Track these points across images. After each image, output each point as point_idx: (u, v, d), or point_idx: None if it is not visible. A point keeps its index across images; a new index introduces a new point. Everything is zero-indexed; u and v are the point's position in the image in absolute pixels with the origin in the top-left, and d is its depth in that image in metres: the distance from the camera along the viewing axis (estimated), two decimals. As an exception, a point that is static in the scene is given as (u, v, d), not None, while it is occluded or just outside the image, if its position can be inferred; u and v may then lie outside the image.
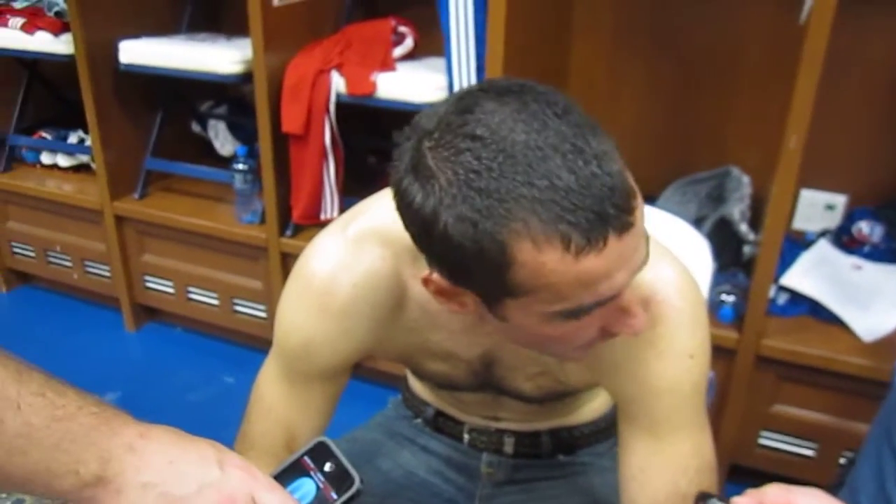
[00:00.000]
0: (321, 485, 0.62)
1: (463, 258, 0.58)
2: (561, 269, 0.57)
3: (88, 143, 2.36)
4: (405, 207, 0.61)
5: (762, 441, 1.76)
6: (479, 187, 0.55)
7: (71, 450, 0.53)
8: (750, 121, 1.90)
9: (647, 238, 0.63)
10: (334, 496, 0.62)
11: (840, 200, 1.90)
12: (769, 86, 1.80)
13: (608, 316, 0.65)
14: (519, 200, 0.55)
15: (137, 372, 2.36)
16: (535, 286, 0.58)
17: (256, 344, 2.31)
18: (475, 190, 0.56)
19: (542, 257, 0.56)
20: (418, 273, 0.77)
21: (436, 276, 0.65)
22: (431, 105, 0.62)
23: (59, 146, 2.54)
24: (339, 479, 0.62)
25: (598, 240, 0.56)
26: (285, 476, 0.63)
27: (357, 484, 0.62)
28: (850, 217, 1.87)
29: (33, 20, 2.23)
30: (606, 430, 1.04)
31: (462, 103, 0.59)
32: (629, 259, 0.60)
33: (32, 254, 2.63)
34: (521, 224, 0.55)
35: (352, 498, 0.62)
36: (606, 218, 0.55)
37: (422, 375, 0.94)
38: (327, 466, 0.63)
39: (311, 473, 0.63)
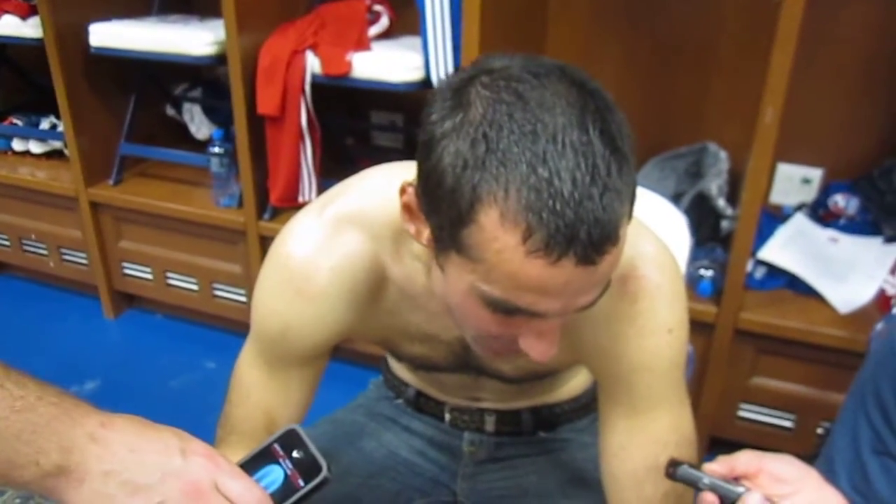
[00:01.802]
0: (289, 472, 0.62)
1: (439, 188, 0.58)
2: (507, 257, 0.56)
3: (61, 128, 2.32)
4: (428, 115, 0.61)
5: (741, 413, 1.78)
6: (491, 139, 0.55)
7: (31, 440, 0.53)
8: (727, 97, 1.90)
9: (603, 290, 0.62)
10: (301, 483, 0.62)
11: (816, 174, 1.92)
12: (746, 62, 1.81)
13: (524, 330, 0.64)
14: (513, 173, 0.54)
15: (117, 359, 2.35)
16: (479, 255, 0.58)
17: (237, 328, 2.30)
18: (487, 140, 0.55)
19: (499, 233, 0.56)
20: (397, 256, 0.77)
21: (412, 189, 0.65)
22: (496, 56, 0.62)
23: (31, 132, 2.50)
24: (308, 467, 0.62)
25: (553, 252, 0.55)
26: (254, 463, 0.63)
27: (324, 472, 0.62)
28: (827, 191, 1.89)
29: (0, 4, 2.18)
30: (587, 405, 1.05)
31: (534, 67, 0.59)
32: (572, 294, 0.59)
33: (7, 242, 2.60)
34: (502, 193, 0.55)
35: (319, 486, 0.62)
36: (574, 240, 0.55)
37: (401, 358, 0.94)
38: (296, 454, 0.63)
39: (280, 461, 0.63)
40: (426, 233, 0.65)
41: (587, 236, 0.55)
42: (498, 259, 0.57)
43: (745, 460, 0.70)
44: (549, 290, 0.58)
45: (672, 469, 0.70)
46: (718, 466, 0.70)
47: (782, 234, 1.80)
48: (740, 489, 0.68)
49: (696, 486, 0.69)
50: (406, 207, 0.66)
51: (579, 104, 0.56)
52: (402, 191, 0.66)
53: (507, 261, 0.57)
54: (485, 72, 0.59)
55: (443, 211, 0.59)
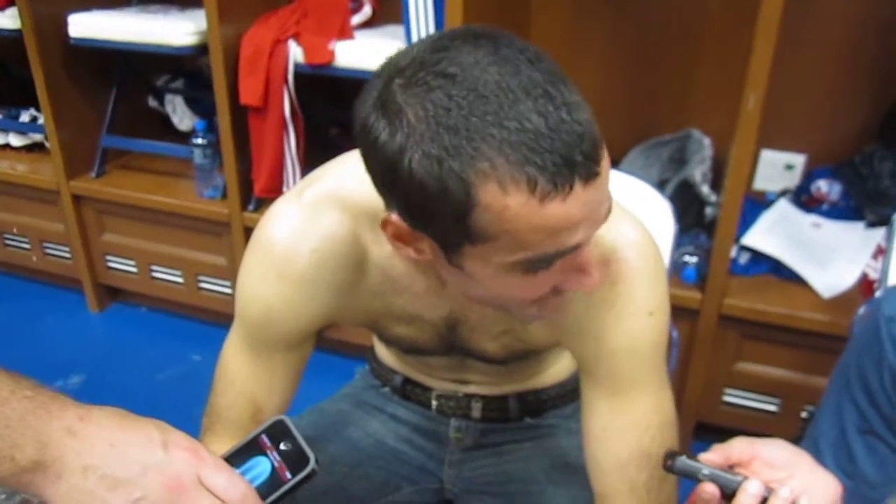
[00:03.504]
0: (276, 464, 0.62)
1: (426, 198, 0.58)
2: (524, 214, 0.56)
3: (41, 121, 2.29)
4: (370, 145, 0.60)
5: (726, 398, 1.80)
6: (448, 125, 0.55)
7: (4, 435, 0.51)
8: (711, 84, 1.90)
9: (610, 195, 0.62)
10: (289, 476, 0.61)
11: (799, 160, 1.93)
12: (730, 50, 1.81)
13: (564, 272, 0.64)
14: (487, 140, 0.54)
15: (103, 353, 2.33)
16: (496, 231, 0.58)
17: (223, 320, 2.27)
18: (444, 127, 0.55)
19: (506, 200, 0.56)
20: (378, 237, 0.77)
21: (395, 217, 0.64)
22: (394, 56, 0.61)
23: (11, 125, 2.47)
24: (295, 459, 0.62)
25: (564, 185, 0.55)
26: (240, 455, 0.62)
27: (312, 464, 0.61)
28: (809, 176, 1.90)
29: (-23, -5, 2.15)
30: (573, 392, 1.05)
31: (437, 44, 0.58)
32: (593, 210, 0.60)
33: (-12, 237, 2.57)
34: (488, 164, 0.55)
35: (306, 478, 0.61)
36: (574, 164, 0.55)
37: (388, 340, 0.94)
38: (283, 445, 0.62)
39: (268, 452, 0.62)
40: (427, 249, 0.64)
41: (581, 154, 0.55)
42: (517, 222, 0.57)
43: (738, 448, 0.71)
44: (574, 220, 0.58)
45: (670, 461, 0.71)
46: (714, 455, 0.71)
47: (766, 219, 1.81)
48: (739, 478, 0.68)
49: (694, 477, 0.70)
50: (396, 237, 0.66)
51: (496, 51, 0.56)
52: (384, 225, 0.65)
53: (526, 217, 0.56)
54: (393, 76, 0.58)
55: (439, 216, 0.59)
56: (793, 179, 1.93)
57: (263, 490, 0.60)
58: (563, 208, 0.56)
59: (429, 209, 0.59)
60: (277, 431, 0.63)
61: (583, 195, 0.57)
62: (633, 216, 0.79)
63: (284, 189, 1.98)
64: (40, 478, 0.53)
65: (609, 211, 0.63)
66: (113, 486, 0.53)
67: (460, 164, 0.55)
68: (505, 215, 0.56)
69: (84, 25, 2.04)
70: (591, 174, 0.57)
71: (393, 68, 0.59)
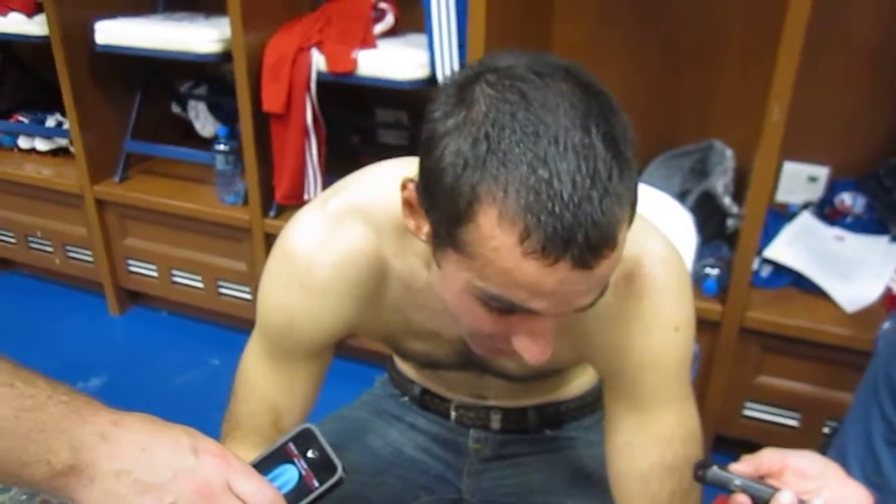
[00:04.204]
0: (304, 472, 0.62)
1: (439, 185, 0.58)
2: (504, 255, 0.56)
3: (66, 126, 2.32)
4: (428, 111, 0.61)
5: (746, 412, 1.78)
6: (493, 138, 0.55)
7: (41, 439, 0.52)
8: (734, 95, 1.89)
9: (600, 293, 0.62)
10: (316, 484, 0.61)
11: (822, 172, 1.91)
12: (753, 60, 1.80)
13: (519, 326, 0.64)
14: (513, 173, 0.54)
15: (123, 356, 2.35)
16: (475, 252, 0.58)
17: (242, 325, 2.30)
18: (488, 139, 0.55)
19: (496, 232, 0.56)
20: (400, 251, 0.77)
21: (412, 185, 0.65)
22: (503, 54, 0.61)
23: (37, 130, 2.50)
24: (322, 467, 0.62)
25: (551, 255, 0.55)
26: (269, 462, 0.62)
27: (339, 472, 0.61)
28: (833, 188, 1.88)
29: (5, 1, 2.19)
30: (593, 403, 1.05)
31: (540, 66, 0.58)
32: (569, 293, 0.59)
33: (13, 239, 2.60)
34: (501, 194, 0.55)
35: (333, 486, 0.61)
36: (571, 243, 0.55)
37: (405, 356, 0.94)
38: (311, 453, 0.62)
39: (295, 460, 0.62)
40: (425, 228, 0.65)
41: (584, 240, 0.55)
42: (494, 256, 0.57)
43: (769, 458, 0.70)
44: (543, 290, 0.58)
45: (701, 471, 0.70)
46: (744, 466, 0.70)
47: (788, 232, 1.79)
48: (771, 489, 0.67)
49: (726, 488, 0.69)
50: (406, 203, 0.66)
51: (583, 106, 0.56)
52: (403, 186, 0.66)
53: (502, 258, 0.57)
54: (490, 70, 0.59)
55: (441, 208, 0.60)
56: (816, 191, 1.92)
57: (291, 497, 0.60)
58: (538, 273, 0.56)
59: (436, 197, 0.60)
60: (305, 439, 0.63)
61: (565, 275, 0.56)
62: (658, 230, 0.79)
63: (305, 196, 1.99)
64: (74, 482, 0.53)
65: (589, 305, 0.62)
66: (144, 491, 0.54)
67: (479, 177, 0.55)
68: (488, 244, 0.57)
69: (110, 32, 2.06)
70: (583, 262, 0.56)
71: (494, 63, 0.60)
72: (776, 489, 0.67)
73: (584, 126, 0.55)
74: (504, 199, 0.55)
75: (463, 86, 0.59)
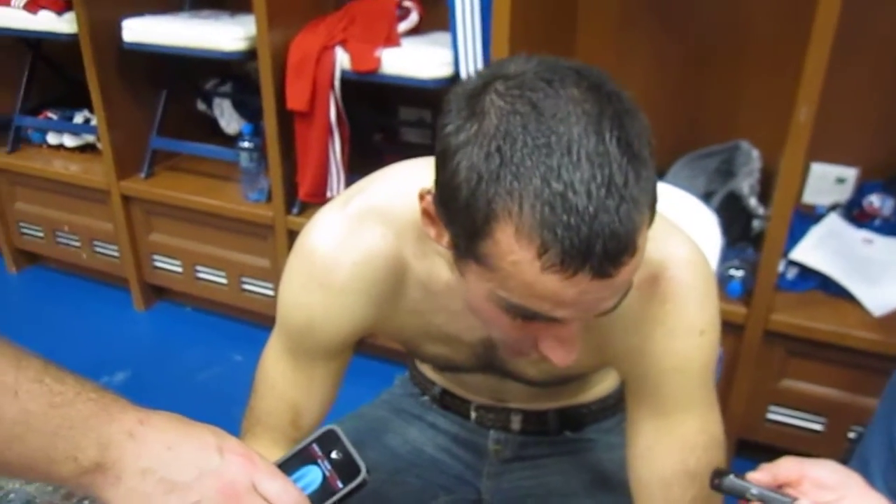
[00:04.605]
0: (327, 473, 0.62)
1: (456, 200, 0.58)
2: (523, 269, 0.56)
3: (94, 122, 2.35)
4: (441, 124, 0.60)
5: (770, 416, 1.76)
6: (505, 152, 0.54)
7: (69, 436, 0.53)
8: (760, 94, 1.87)
9: (623, 294, 0.61)
10: (340, 485, 0.61)
11: (850, 174, 1.88)
12: (779, 59, 1.78)
13: (544, 334, 0.64)
14: (527, 187, 0.54)
15: (147, 351, 2.38)
16: (496, 266, 0.58)
17: (265, 322, 2.31)
18: (501, 153, 0.55)
19: (514, 247, 0.55)
20: (420, 252, 0.77)
21: (430, 197, 0.64)
22: (511, 59, 0.60)
23: (65, 126, 2.53)
24: (346, 469, 0.62)
25: (570, 267, 0.54)
26: (293, 462, 0.62)
27: (363, 474, 0.61)
28: (861, 190, 1.85)
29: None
30: (614, 406, 1.04)
31: (548, 72, 0.57)
32: (590, 302, 0.59)
33: (41, 234, 2.64)
34: (516, 209, 0.54)
35: (357, 488, 0.61)
36: (589, 255, 0.54)
37: (423, 359, 0.94)
38: (334, 455, 0.62)
39: (319, 461, 0.62)
40: (446, 237, 0.65)
41: (603, 250, 0.54)
42: (514, 270, 0.57)
43: (787, 467, 0.69)
44: (565, 301, 0.57)
45: (717, 479, 0.69)
46: (761, 475, 0.69)
47: (815, 234, 1.77)
48: (788, 499, 0.66)
49: (742, 497, 0.68)
50: (425, 213, 0.66)
51: (595, 110, 0.55)
52: (421, 197, 0.66)
53: (522, 272, 0.56)
54: (500, 77, 0.58)
55: (459, 223, 0.59)
56: (843, 193, 1.89)
57: (315, 498, 0.61)
58: (558, 285, 0.56)
59: (453, 212, 0.59)
60: (328, 440, 0.63)
61: (585, 285, 0.56)
62: (683, 232, 0.78)
63: (328, 194, 2.00)
64: (100, 479, 0.54)
65: (612, 308, 0.62)
66: (170, 490, 0.54)
67: (494, 193, 0.55)
68: (507, 258, 0.56)
69: (137, 30, 2.08)
70: (602, 272, 0.55)
71: (502, 71, 0.59)
72: (794, 499, 0.66)
73: (598, 131, 0.54)
74: (520, 215, 0.54)
75: (472, 96, 0.58)
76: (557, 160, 0.53)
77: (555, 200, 0.53)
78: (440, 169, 0.60)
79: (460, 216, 0.58)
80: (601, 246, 0.54)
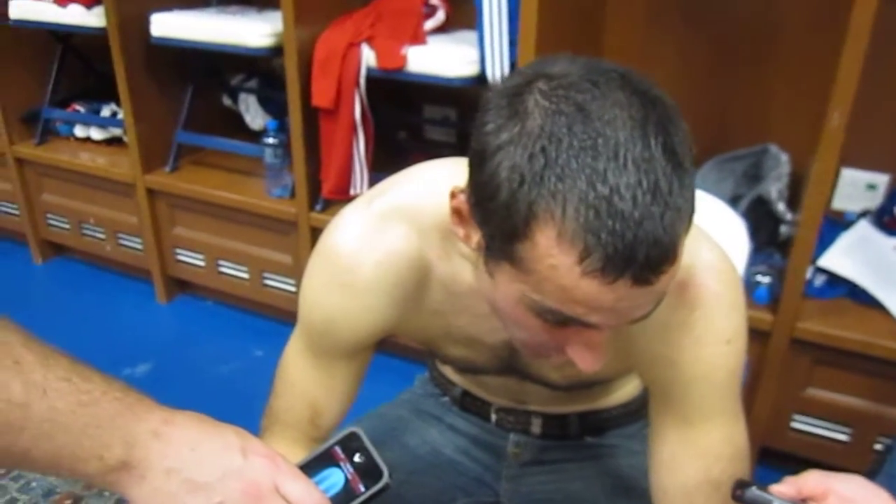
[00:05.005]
0: (349, 476, 0.62)
1: (493, 202, 0.57)
2: (562, 273, 0.55)
3: (121, 116, 2.37)
4: (479, 122, 0.59)
5: (795, 425, 1.73)
6: (550, 153, 0.53)
7: (96, 435, 0.53)
8: (790, 97, 1.84)
9: (658, 302, 0.60)
10: (362, 489, 0.61)
11: (882, 180, 1.85)
12: (810, 62, 1.75)
13: (573, 336, 0.63)
14: (572, 190, 0.53)
15: (168, 344, 2.39)
16: (532, 269, 0.57)
17: (286, 317, 2.32)
18: (545, 154, 0.54)
19: (554, 251, 0.54)
20: (444, 254, 0.76)
21: (463, 196, 0.63)
22: (555, 59, 0.59)
23: (93, 119, 2.56)
24: (368, 472, 0.62)
25: (611, 273, 0.54)
26: (315, 464, 0.62)
27: (386, 478, 0.61)
28: (892, 197, 1.81)
29: (66, -7, 2.24)
30: (637, 411, 1.03)
31: (595, 73, 0.56)
32: (627, 308, 0.58)
33: (67, 226, 2.67)
34: (560, 212, 0.53)
35: (380, 492, 0.61)
36: (632, 261, 0.53)
37: (444, 360, 0.94)
38: (357, 457, 0.62)
39: (341, 464, 0.62)
40: (475, 238, 0.63)
41: (645, 258, 0.53)
42: (551, 274, 0.56)
43: (813, 481, 0.67)
44: (601, 306, 0.57)
45: (740, 491, 0.68)
46: (786, 488, 0.67)
47: (844, 241, 1.73)
48: None
49: None
50: (456, 212, 0.65)
51: (641, 116, 0.54)
52: (452, 195, 0.65)
53: (560, 277, 0.55)
54: (543, 77, 0.57)
55: (495, 223, 0.58)
56: (874, 199, 1.85)
57: (337, 501, 0.60)
58: (597, 290, 0.55)
59: (490, 212, 0.58)
60: (351, 443, 0.63)
61: (624, 291, 0.55)
62: (711, 238, 0.76)
63: (352, 191, 2.00)
64: (125, 477, 0.54)
65: (648, 315, 0.61)
66: (194, 490, 0.55)
67: (537, 194, 0.54)
68: (546, 261, 0.55)
69: (165, 25, 2.10)
70: (643, 280, 0.55)
71: (545, 69, 0.58)
72: None
73: (643, 137, 0.53)
74: (563, 217, 0.53)
75: (515, 95, 0.57)
76: (604, 163, 0.52)
77: (600, 204, 0.52)
78: (477, 168, 0.59)
79: (497, 217, 0.57)
80: (644, 253, 0.53)
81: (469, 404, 1.04)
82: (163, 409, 0.57)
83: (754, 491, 0.67)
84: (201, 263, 2.43)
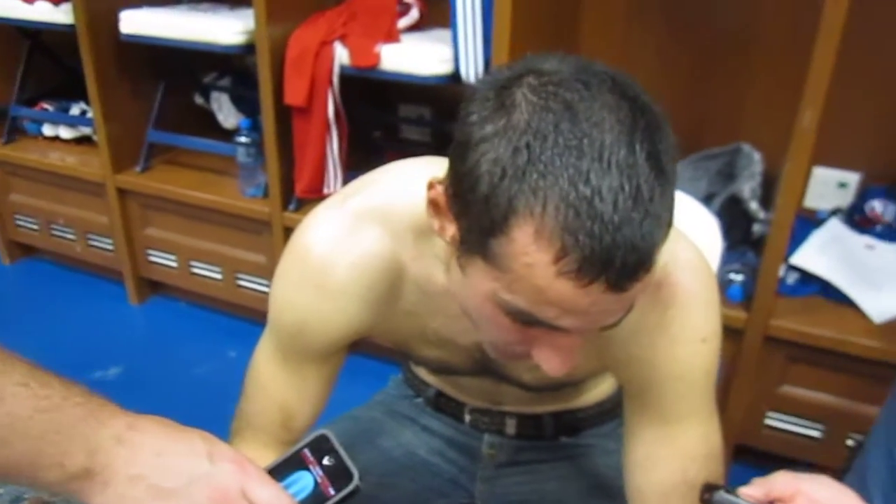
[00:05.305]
0: (319, 479, 0.61)
1: (473, 192, 0.56)
2: (537, 273, 0.54)
3: (90, 114, 2.33)
4: (465, 112, 0.58)
5: (769, 422, 1.75)
6: (534, 149, 0.53)
7: (56, 441, 0.52)
8: (763, 98, 1.85)
9: (629, 310, 0.60)
10: (332, 492, 0.60)
11: (853, 178, 1.87)
12: (783, 63, 1.76)
13: (542, 339, 0.62)
14: (553, 188, 0.52)
15: (141, 345, 2.36)
16: (506, 265, 0.56)
17: (260, 318, 2.26)
18: (529, 149, 0.53)
19: (531, 249, 0.54)
20: (418, 255, 0.75)
21: (441, 187, 0.62)
22: (546, 56, 0.59)
23: (61, 118, 2.51)
24: (338, 475, 0.61)
25: (586, 276, 0.53)
26: (283, 468, 0.61)
27: (356, 481, 0.60)
28: (863, 195, 1.83)
29: (33, -12, 2.20)
30: (611, 411, 1.03)
31: (585, 74, 0.56)
32: (600, 313, 0.57)
33: (35, 226, 2.62)
34: (539, 209, 0.52)
35: (349, 495, 0.60)
36: (608, 266, 0.53)
37: (418, 361, 0.93)
38: (326, 460, 0.61)
39: (310, 467, 0.61)
40: (451, 231, 0.62)
41: (622, 263, 0.53)
42: (526, 272, 0.55)
43: (781, 482, 0.68)
44: (574, 310, 0.56)
45: (708, 494, 0.68)
46: (754, 490, 0.67)
47: (817, 239, 1.75)
48: None
49: None
50: (432, 203, 0.64)
51: (629, 121, 0.54)
52: (430, 186, 0.64)
53: (535, 276, 0.55)
54: (533, 72, 0.56)
55: (473, 216, 0.57)
56: (846, 198, 1.87)
57: None
58: (571, 293, 0.54)
59: (469, 204, 0.57)
60: (320, 446, 0.62)
61: (597, 296, 0.54)
62: (686, 237, 0.76)
63: (325, 190, 1.98)
64: (88, 485, 0.53)
65: (616, 324, 0.61)
66: (159, 496, 0.53)
67: (518, 190, 0.53)
68: (522, 259, 0.55)
69: (135, 22, 2.06)
70: (617, 286, 0.54)
71: (535, 65, 0.57)
72: None
73: (630, 143, 0.53)
74: (542, 215, 0.52)
75: (503, 88, 0.56)
76: (587, 164, 0.52)
77: (580, 205, 0.52)
78: (459, 158, 0.58)
79: (476, 210, 0.56)
80: (621, 259, 0.53)
81: (443, 405, 1.03)
82: (127, 414, 0.56)
83: (722, 494, 0.67)
84: (174, 264, 2.40)
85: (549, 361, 0.63)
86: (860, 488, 0.95)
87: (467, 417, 1.01)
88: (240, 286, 2.31)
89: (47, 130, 2.56)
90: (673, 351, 0.74)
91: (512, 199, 0.53)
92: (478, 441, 1.02)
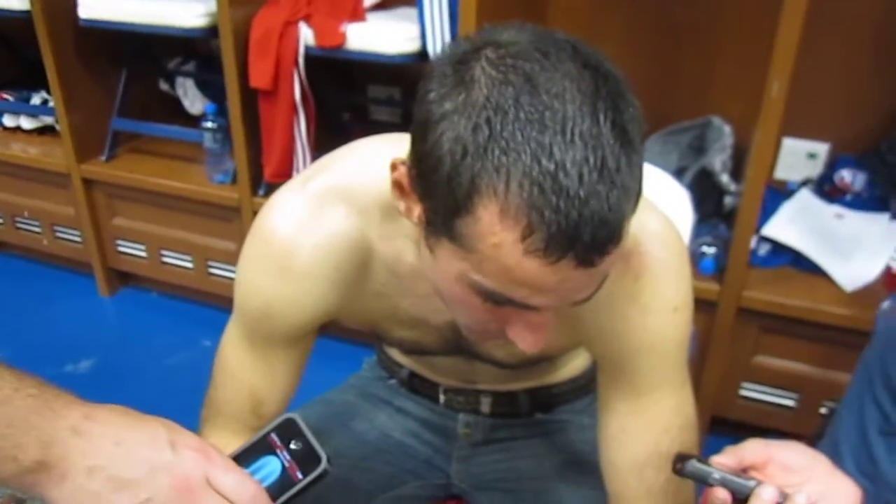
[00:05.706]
0: (287, 464, 0.60)
1: (435, 173, 0.55)
2: (503, 252, 0.53)
3: (52, 104, 2.28)
4: (423, 90, 0.56)
5: (743, 392, 1.76)
6: (495, 125, 0.51)
7: (7, 435, 0.50)
8: (732, 70, 1.85)
9: (600, 285, 0.59)
10: (300, 476, 0.59)
11: (822, 149, 1.87)
12: (752, 36, 1.75)
13: (514, 318, 0.61)
14: (516, 164, 0.50)
15: (113, 338, 2.33)
16: (472, 246, 0.55)
17: (232, 306, 2.27)
18: (490, 125, 0.51)
19: (496, 228, 0.52)
20: (386, 234, 0.74)
21: (404, 168, 0.61)
22: (504, 27, 0.57)
23: (22, 108, 2.46)
24: (306, 459, 0.60)
25: (554, 253, 0.52)
26: (250, 454, 0.60)
27: (324, 464, 0.59)
28: (833, 166, 1.84)
29: (-14, -25, 2.13)
30: (586, 386, 1.02)
31: (545, 43, 0.54)
32: (570, 290, 0.56)
33: (0, 220, 2.56)
34: (503, 186, 0.51)
35: (318, 478, 0.59)
36: (575, 241, 0.51)
37: (390, 343, 0.92)
38: (294, 444, 0.60)
39: (278, 452, 0.60)
40: (417, 211, 0.61)
41: (590, 238, 0.51)
42: (493, 252, 0.54)
43: (752, 450, 0.67)
44: (544, 288, 0.55)
45: (680, 464, 0.68)
46: (726, 458, 0.67)
47: (787, 210, 1.76)
48: (752, 483, 0.65)
49: (705, 482, 0.66)
50: (397, 184, 0.62)
51: (591, 90, 0.52)
52: (393, 167, 0.62)
53: (502, 255, 0.53)
54: (490, 44, 0.55)
55: (437, 196, 0.56)
56: (815, 168, 1.88)
57: (274, 490, 0.58)
58: (539, 271, 0.53)
59: (432, 185, 0.56)
60: (287, 430, 0.61)
61: (568, 272, 0.53)
62: (656, 207, 0.75)
63: (294, 174, 1.95)
64: (44, 478, 0.51)
65: (589, 297, 0.60)
66: (119, 487, 0.52)
67: (480, 168, 0.52)
68: (488, 239, 0.53)
69: (93, 6, 2.01)
70: (586, 261, 0.53)
71: (493, 37, 0.55)
72: (758, 482, 0.65)
73: (593, 113, 0.51)
74: (506, 193, 0.51)
75: (461, 63, 0.55)
76: (550, 138, 0.50)
77: (544, 180, 0.50)
78: (419, 138, 0.56)
79: (439, 190, 0.55)
80: (589, 234, 0.51)
81: (417, 386, 1.02)
82: (84, 403, 0.54)
83: (694, 464, 0.67)
84: (143, 254, 2.36)
85: (524, 339, 0.62)
86: (833, 452, 0.96)
87: (442, 398, 1.00)
88: (211, 274, 2.28)
89: (8, 121, 2.50)
90: (644, 321, 0.73)
91: (475, 177, 0.52)
92: (453, 421, 1.01)
